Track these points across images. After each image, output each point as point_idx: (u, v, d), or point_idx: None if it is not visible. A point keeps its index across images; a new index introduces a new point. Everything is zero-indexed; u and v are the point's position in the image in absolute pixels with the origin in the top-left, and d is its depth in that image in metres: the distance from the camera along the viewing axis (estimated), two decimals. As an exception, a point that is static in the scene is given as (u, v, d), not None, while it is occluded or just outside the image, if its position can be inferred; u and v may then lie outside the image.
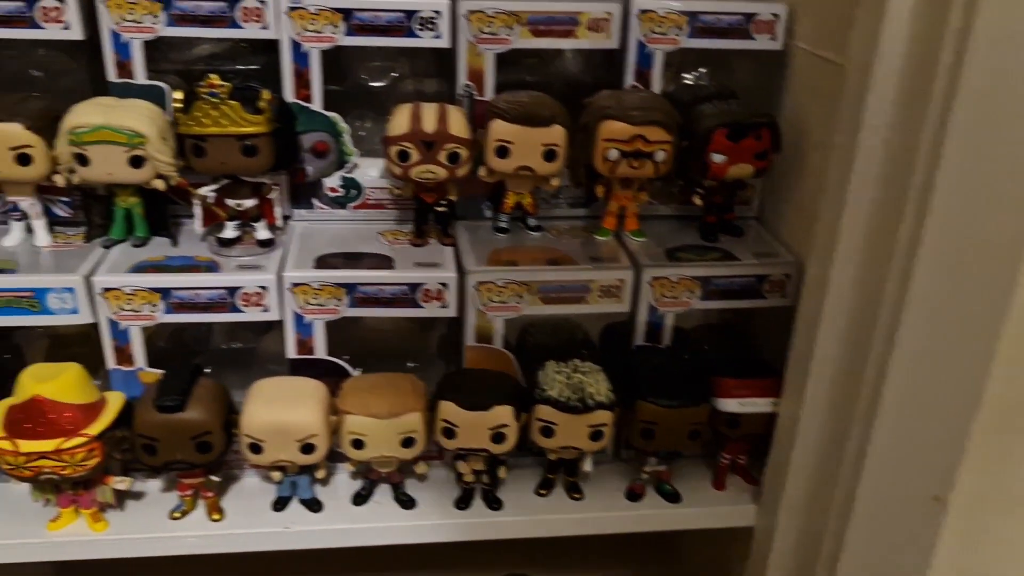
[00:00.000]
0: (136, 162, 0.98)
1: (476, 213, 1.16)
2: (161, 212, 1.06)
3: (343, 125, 1.09)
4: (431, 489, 1.10)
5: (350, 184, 1.13)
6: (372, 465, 1.05)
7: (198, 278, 1.00)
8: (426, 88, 1.16)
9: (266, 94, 0.99)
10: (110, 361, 1.03)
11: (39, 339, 1.12)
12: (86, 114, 0.97)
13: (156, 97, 1.04)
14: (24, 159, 0.97)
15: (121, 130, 0.96)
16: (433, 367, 1.17)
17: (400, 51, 1.14)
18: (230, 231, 1.06)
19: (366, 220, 1.14)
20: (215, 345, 1.21)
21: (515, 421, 1.00)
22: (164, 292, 0.99)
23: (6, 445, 0.92)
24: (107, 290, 0.99)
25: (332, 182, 1.12)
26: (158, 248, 1.06)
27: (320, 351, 1.05)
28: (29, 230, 1.06)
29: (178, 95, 0.98)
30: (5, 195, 1.04)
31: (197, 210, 1.07)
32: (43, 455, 0.92)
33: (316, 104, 1.07)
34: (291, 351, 1.05)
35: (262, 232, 1.07)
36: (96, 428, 0.94)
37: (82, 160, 0.97)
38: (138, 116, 0.98)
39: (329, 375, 1.04)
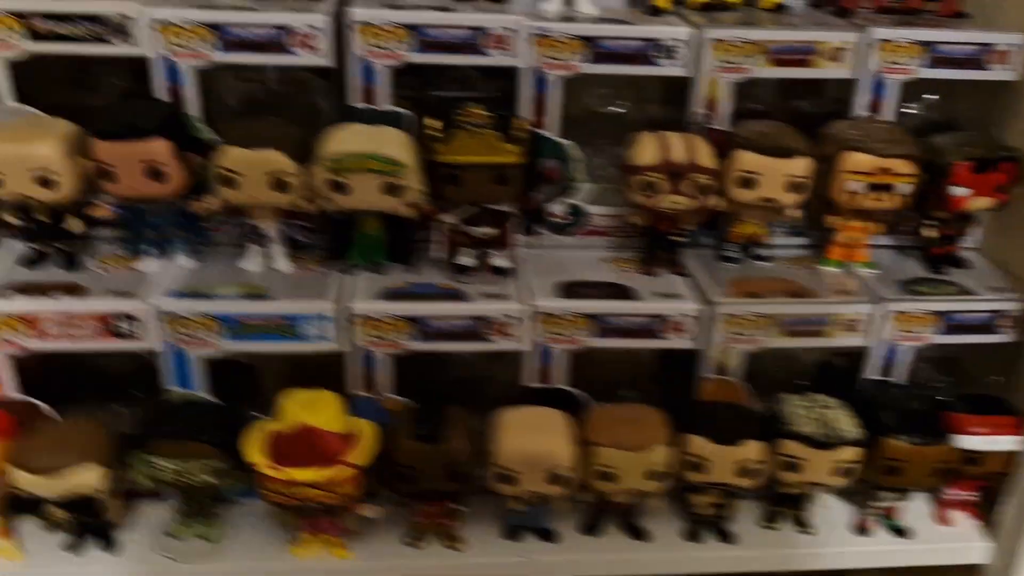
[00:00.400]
0: (392, 190, 0.97)
1: (693, 241, 1.15)
2: (401, 238, 1.06)
3: (576, 152, 1.08)
4: (655, 519, 1.09)
5: (575, 211, 1.12)
6: (608, 496, 1.04)
7: (452, 307, 1.00)
8: (650, 114, 1.15)
9: (521, 123, 0.98)
10: (355, 387, 1.03)
11: (269, 362, 1.12)
12: (346, 142, 0.97)
13: (394, 123, 1.04)
14: (282, 185, 0.97)
15: (384, 159, 0.96)
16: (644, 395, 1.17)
17: (625, 77, 1.13)
18: (468, 258, 1.06)
19: (589, 247, 1.13)
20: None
21: (763, 456, 1.00)
22: (416, 320, 0.99)
23: (276, 473, 0.92)
24: (361, 317, 0.99)
25: (558, 208, 1.12)
26: (397, 274, 1.06)
27: (559, 381, 1.05)
28: (266, 254, 1.06)
29: (434, 123, 0.98)
30: (248, 219, 1.04)
31: (439, 236, 1.07)
32: (312, 484, 0.93)
33: (551, 131, 1.07)
34: (531, 380, 1.05)
35: (500, 260, 1.06)
36: (360, 457, 0.94)
37: (339, 187, 0.97)
38: (396, 144, 0.98)
39: (558, 404, 1.04)
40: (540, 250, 1.12)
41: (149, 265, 1.04)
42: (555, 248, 1.13)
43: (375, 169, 0.96)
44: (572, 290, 1.04)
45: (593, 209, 1.13)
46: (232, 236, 1.08)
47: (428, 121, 0.99)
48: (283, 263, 1.06)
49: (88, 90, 1.09)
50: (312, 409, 0.95)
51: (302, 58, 1.01)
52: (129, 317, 0.97)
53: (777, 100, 1.18)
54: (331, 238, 1.06)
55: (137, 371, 1.08)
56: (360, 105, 1.04)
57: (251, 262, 1.06)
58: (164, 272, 1.03)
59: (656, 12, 1.11)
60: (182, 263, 1.05)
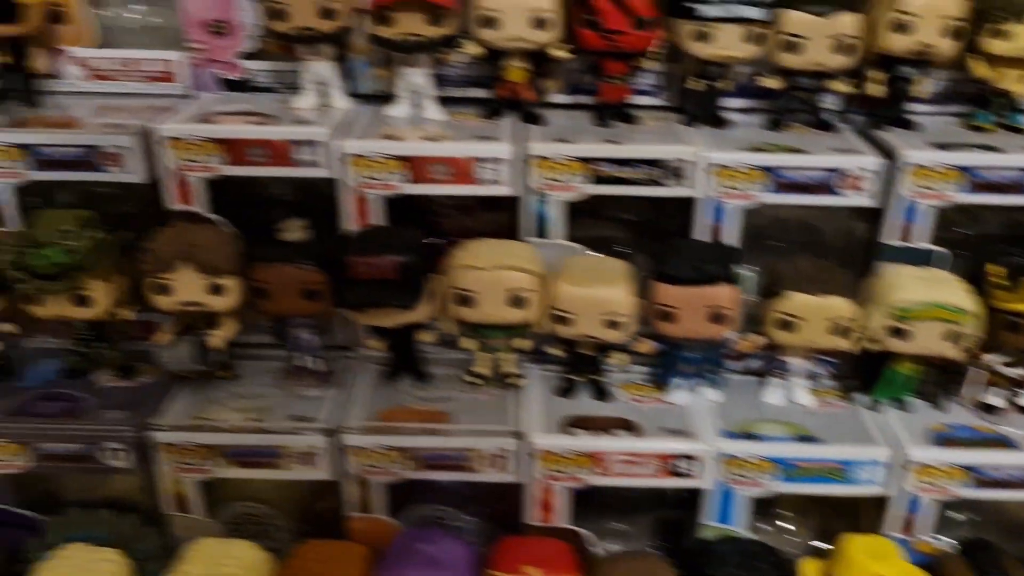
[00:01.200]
0: (954, 337, 0.96)
1: None
2: (932, 378, 1.04)
3: None
4: None
5: None
6: None
7: (1012, 457, 0.98)
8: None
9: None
10: (895, 529, 1.02)
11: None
12: (908, 288, 0.97)
13: (927, 261, 1.03)
14: (842, 331, 0.98)
15: (954, 308, 0.95)
16: None
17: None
18: (997, 399, 1.04)
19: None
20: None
21: None
22: (971, 469, 0.98)
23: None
24: (918, 465, 0.98)
25: None
26: (929, 414, 1.05)
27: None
28: (787, 386, 1.07)
29: (999, 270, 0.97)
30: (774, 353, 1.05)
31: (974, 376, 1.05)
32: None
33: None
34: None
35: (1032, 401, 1.05)
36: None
37: (899, 333, 0.97)
38: (960, 292, 0.96)
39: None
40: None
41: (679, 397, 1.06)
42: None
43: (943, 318, 0.96)
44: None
45: None
46: (742, 366, 1.10)
47: (993, 268, 0.98)
48: (805, 397, 1.06)
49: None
50: (882, 559, 0.94)
51: (848, 199, 1.01)
52: (688, 457, 0.99)
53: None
54: (860, 373, 1.06)
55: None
56: (896, 243, 1.03)
57: (774, 395, 1.07)
58: (696, 405, 1.05)
59: None
60: (710, 396, 1.06)
